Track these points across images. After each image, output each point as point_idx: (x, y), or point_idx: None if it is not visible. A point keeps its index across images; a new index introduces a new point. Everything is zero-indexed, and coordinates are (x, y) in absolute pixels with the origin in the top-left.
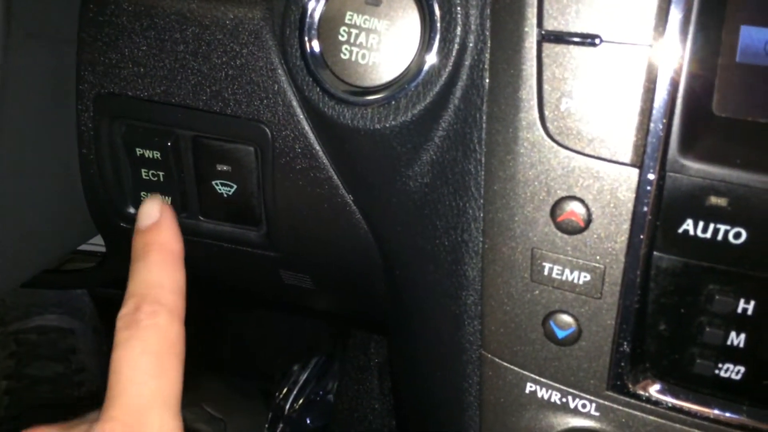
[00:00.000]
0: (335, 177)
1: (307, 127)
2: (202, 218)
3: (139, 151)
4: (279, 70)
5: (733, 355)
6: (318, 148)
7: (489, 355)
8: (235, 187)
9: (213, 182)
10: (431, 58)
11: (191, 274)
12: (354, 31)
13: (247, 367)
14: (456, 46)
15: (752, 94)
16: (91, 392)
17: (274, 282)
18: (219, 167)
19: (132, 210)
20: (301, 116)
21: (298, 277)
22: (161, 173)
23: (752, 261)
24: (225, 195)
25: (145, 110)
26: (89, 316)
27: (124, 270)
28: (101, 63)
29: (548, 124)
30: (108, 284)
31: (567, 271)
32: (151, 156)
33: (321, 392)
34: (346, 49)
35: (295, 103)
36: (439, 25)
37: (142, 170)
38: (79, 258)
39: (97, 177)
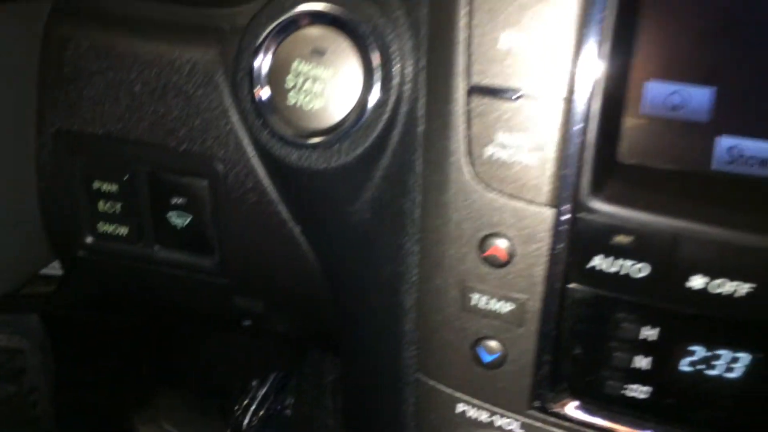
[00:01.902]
0: (284, 210)
1: (257, 164)
2: (157, 247)
3: (96, 184)
4: (231, 111)
5: (639, 376)
6: (267, 183)
7: (425, 378)
8: (189, 217)
9: (168, 213)
10: (371, 106)
11: (146, 298)
12: (300, 79)
13: (205, 383)
14: (393, 95)
15: (653, 144)
16: (46, 412)
17: (227, 306)
18: (174, 200)
19: (89, 239)
20: (252, 154)
21: (250, 302)
22: (118, 205)
23: (653, 293)
24: (180, 225)
25: (103, 146)
26: (38, 335)
27: (81, 294)
28: (61, 101)
29: (475, 169)
30: (65, 308)
31: (493, 302)
32: (108, 189)
33: (279, 407)
34: (293, 95)
35: (246, 142)
36: (378, 75)
37: (100, 202)
38: (38, 281)
39: (56, 208)
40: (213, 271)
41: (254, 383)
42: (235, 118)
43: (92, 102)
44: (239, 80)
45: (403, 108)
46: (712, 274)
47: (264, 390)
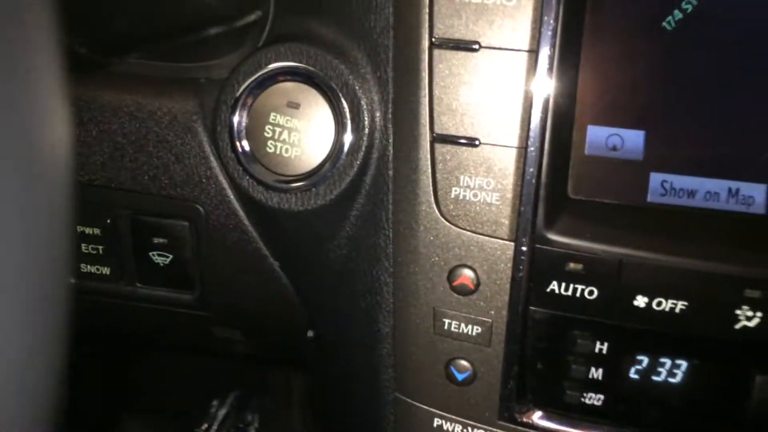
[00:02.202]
0: (263, 248)
1: (237, 206)
2: (139, 285)
3: (80, 228)
4: (211, 158)
5: (594, 386)
6: (247, 223)
7: (402, 397)
8: (170, 257)
9: (150, 253)
10: (344, 152)
11: (126, 331)
12: (278, 129)
13: (166, 405)
14: (365, 142)
15: (597, 180)
16: None
17: (205, 336)
18: (156, 240)
19: (72, 281)
20: (232, 197)
21: (229, 332)
22: (100, 247)
23: (604, 312)
24: (161, 264)
25: (87, 192)
26: None
27: None
28: None
29: (442, 208)
30: None
31: (462, 326)
32: (91, 232)
33: (241, 425)
34: (271, 144)
35: (226, 186)
36: (350, 125)
37: (83, 245)
38: None
39: None
40: (194, 305)
41: (214, 403)
42: (215, 164)
43: (76, 152)
44: (219, 131)
45: (375, 154)
46: (653, 294)
47: (225, 410)
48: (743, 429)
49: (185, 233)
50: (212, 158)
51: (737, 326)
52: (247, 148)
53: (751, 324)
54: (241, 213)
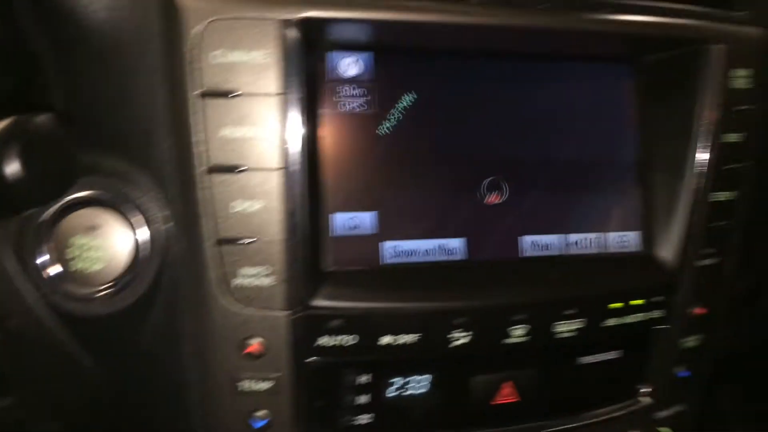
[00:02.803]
0: (75, 348)
1: (46, 315)
2: None
3: None
4: (16, 277)
5: (363, 409)
6: (58, 329)
7: None
8: None
9: None
10: (142, 260)
11: None
12: (80, 249)
13: None
14: (159, 248)
15: (345, 254)
16: None
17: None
18: None
19: None
20: (40, 308)
21: (48, 426)
22: None
23: (361, 352)
24: None
25: None
26: None
27: None
28: None
29: (228, 295)
30: None
31: (256, 383)
32: None
33: None
34: (74, 263)
35: (34, 298)
36: (144, 238)
37: None
38: None
39: None
40: (11, 407)
41: None
42: (20, 282)
43: None
44: (25, 256)
45: (169, 258)
46: (394, 333)
47: None
48: (472, 416)
49: None
50: (17, 277)
51: (453, 345)
52: (54, 270)
53: (463, 342)
54: (49, 321)
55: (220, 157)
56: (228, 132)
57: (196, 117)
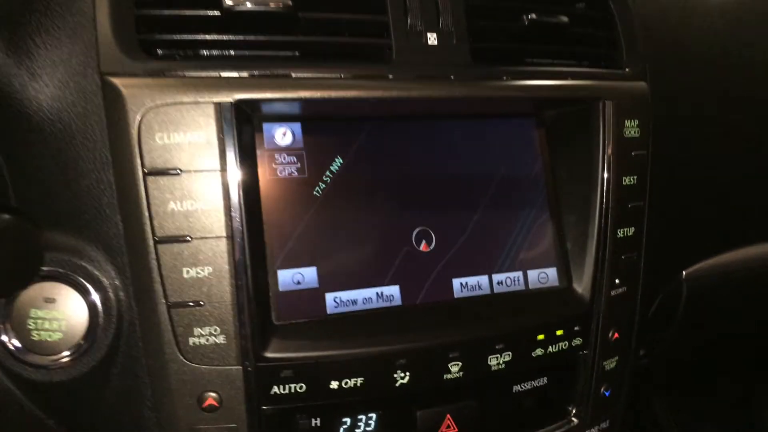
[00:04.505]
0: (39, 413)
1: (11, 384)
2: None
3: None
4: None
5: None
6: (20, 396)
7: None
8: None
9: None
10: (99, 328)
11: None
12: (39, 321)
13: None
14: (114, 316)
15: (291, 308)
16: None
17: None
18: None
19: None
20: (4, 378)
21: None
22: None
23: (312, 397)
24: None
25: None
26: None
27: None
28: None
29: (184, 354)
30: None
31: None
32: None
33: None
34: (35, 333)
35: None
36: (100, 307)
37: None
38: None
39: None
40: None
41: None
42: None
43: None
44: None
45: (125, 324)
46: (341, 377)
47: None
48: None
49: None
50: None
51: (397, 384)
52: (14, 344)
53: (405, 381)
54: (15, 392)
55: (168, 229)
56: (174, 206)
57: (144, 194)
